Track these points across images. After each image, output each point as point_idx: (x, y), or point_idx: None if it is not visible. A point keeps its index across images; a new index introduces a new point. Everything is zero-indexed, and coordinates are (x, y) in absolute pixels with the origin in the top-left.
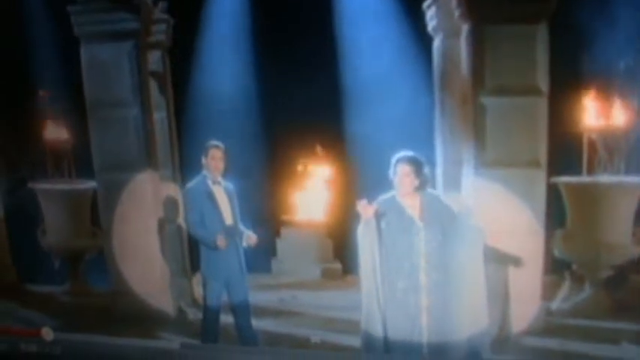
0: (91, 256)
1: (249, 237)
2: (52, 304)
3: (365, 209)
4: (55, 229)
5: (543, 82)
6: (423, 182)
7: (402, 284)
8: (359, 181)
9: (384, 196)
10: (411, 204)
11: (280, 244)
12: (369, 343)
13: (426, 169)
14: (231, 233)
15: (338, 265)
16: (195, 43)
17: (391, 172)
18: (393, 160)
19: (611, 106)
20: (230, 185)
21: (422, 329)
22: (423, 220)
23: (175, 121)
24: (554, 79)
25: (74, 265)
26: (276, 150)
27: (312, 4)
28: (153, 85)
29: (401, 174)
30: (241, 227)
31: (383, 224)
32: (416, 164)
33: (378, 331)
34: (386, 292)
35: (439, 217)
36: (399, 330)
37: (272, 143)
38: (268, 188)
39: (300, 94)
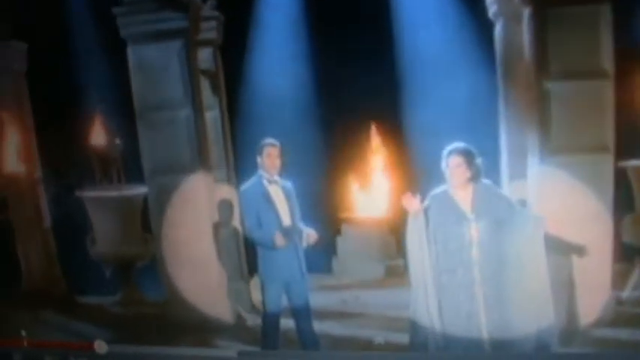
0: (143, 264)
1: (309, 235)
2: (103, 316)
3: (410, 203)
4: (104, 237)
5: (609, 64)
6: (475, 173)
7: (455, 279)
8: (420, 173)
9: (435, 191)
10: (463, 196)
11: (341, 243)
12: (418, 339)
13: (478, 160)
14: (290, 233)
15: (401, 262)
16: (247, 39)
17: (443, 164)
18: (445, 152)
19: None
20: (288, 184)
21: (480, 324)
22: (474, 211)
23: (229, 119)
24: (619, 60)
25: (125, 274)
26: (335, 146)
27: None
28: (204, 84)
29: (452, 165)
30: (301, 226)
31: (434, 218)
32: (467, 155)
33: (429, 328)
34: (439, 287)
35: (492, 208)
36: (454, 326)
37: (330, 139)
38: (327, 185)
39: (358, 87)
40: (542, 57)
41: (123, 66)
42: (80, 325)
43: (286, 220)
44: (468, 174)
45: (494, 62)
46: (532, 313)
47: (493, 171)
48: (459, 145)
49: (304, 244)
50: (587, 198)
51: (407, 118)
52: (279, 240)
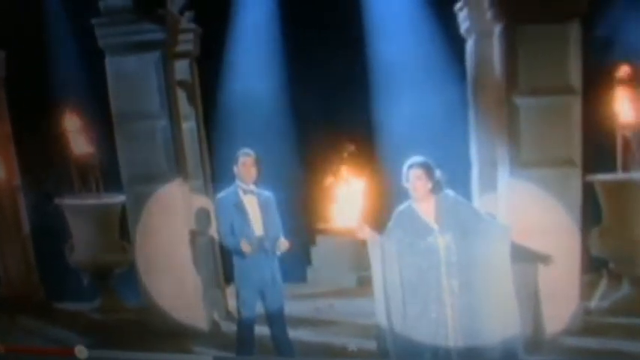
0: (121, 271)
1: (282, 242)
2: (82, 322)
3: (361, 232)
4: (83, 245)
5: (577, 81)
6: (436, 184)
7: (425, 289)
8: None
9: (400, 207)
10: (426, 208)
11: (315, 253)
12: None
13: (437, 172)
14: (261, 243)
15: None
16: (223, 51)
17: (404, 179)
18: (404, 167)
19: None
20: (265, 194)
21: (448, 333)
22: (438, 222)
23: (205, 130)
24: (587, 77)
25: (104, 281)
26: (310, 157)
27: (341, 10)
28: (181, 95)
29: (413, 178)
30: (279, 236)
31: (401, 232)
32: (427, 167)
33: (396, 338)
34: (408, 298)
35: (456, 218)
36: (423, 335)
37: (305, 150)
38: (302, 196)
39: (332, 101)
40: (512, 73)
41: (102, 75)
42: (59, 332)
43: (258, 230)
44: (429, 185)
45: (465, 77)
46: (499, 321)
47: (464, 184)
48: (417, 158)
49: (277, 252)
50: (555, 211)
51: (380, 130)
52: (245, 247)
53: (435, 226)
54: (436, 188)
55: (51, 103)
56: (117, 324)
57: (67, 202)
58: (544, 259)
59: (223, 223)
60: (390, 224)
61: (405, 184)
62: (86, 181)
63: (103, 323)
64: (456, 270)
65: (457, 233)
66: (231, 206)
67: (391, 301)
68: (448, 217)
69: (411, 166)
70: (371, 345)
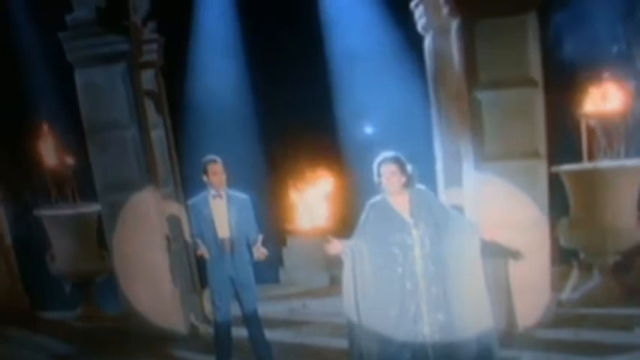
0: (102, 279)
1: (258, 249)
2: (65, 330)
3: (332, 248)
4: (63, 254)
5: (537, 73)
6: (409, 179)
7: (398, 286)
8: (360, 183)
9: (373, 199)
10: (400, 201)
11: (287, 254)
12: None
13: (409, 166)
14: (226, 245)
15: None
16: (187, 59)
17: (375, 175)
18: (375, 163)
19: (607, 90)
20: (239, 196)
21: (424, 332)
22: (413, 216)
23: (174, 137)
24: (547, 68)
25: (85, 289)
26: (276, 160)
27: (299, 13)
28: (149, 104)
29: (388, 173)
30: (257, 237)
31: (375, 226)
32: (399, 162)
33: (369, 336)
34: (383, 295)
35: (429, 212)
36: (401, 331)
37: (271, 153)
38: (271, 198)
39: (295, 103)
40: (472, 67)
41: (73, 87)
42: (43, 340)
43: (222, 233)
44: (403, 180)
45: (425, 73)
46: (472, 315)
47: (429, 178)
48: (388, 153)
49: (255, 257)
50: (523, 203)
51: (345, 128)
52: (199, 252)
53: (410, 220)
54: (409, 182)
55: (25, 115)
56: (98, 331)
57: (45, 212)
58: (514, 252)
59: (194, 227)
60: (363, 217)
61: (377, 180)
62: (62, 192)
63: (84, 331)
64: (430, 264)
65: (430, 227)
66: (199, 211)
67: (362, 302)
68: (422, 212)
69: (383, 162)
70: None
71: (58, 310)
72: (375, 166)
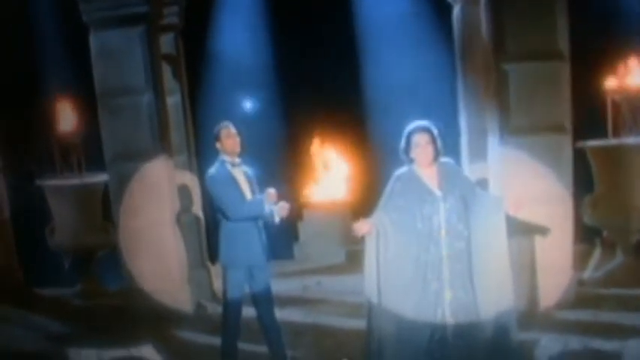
0: (104, 253)
1: (281, 206)
2: (62, 308)
3: (361, 228)
4: (64, 227)
5: (564, 46)
6: (441, 150)
7: (423, 258)
8: (381, 154)
9: (400, 170)
10: (429, 174)
11: (303, 228)
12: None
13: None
14: (254, 219)
15: (362, 247)
16: (208, 24)
17: (405, 144)
18: (408, 131)
19: (635, 66)
20: (249, 169)
21: (445, 303)
22: (441, 189)
23: (190, 104)
24: (574, 41)
25: (85, 264)
26: (295, 130)
27: None
28: (166, 69)
29: (423, 142)
30: (270, 207)
31: (401, 197)
32: (434, 132)
33: (391, 315)
34: (403, 276)
35: (457, 185)
36: (421, 307)
37: (290, 123)
38: (288, 171)
39: (319, 72)
40: (500, 39)
41: (84, 51)
42: (38, 319)
43: None
44: (435, 151)
45: (453, 44)
46: (494, 294)
47: (453, 152)
48: (423, 122)
49: (276, 217)
50: (547, 179)
51: (366, 99)
52: (272, 197)
53: (439, 193)
54: (440, 155)
55: (32, 80)
56: (98, 309)
57: (49, 182)
58: (536, 229)
59: (228, 192)
60: (389, 189)
61: (406, 150)
62: (68, 160)
63: (84, 309)
64: (455, 240)
65: (458, 202)
66: (227, 179)
67: (384, 278)
68: (450, 185)
69: (417, 130)
70: (361, 324)
71: (55, 286)
72: (405, 134)
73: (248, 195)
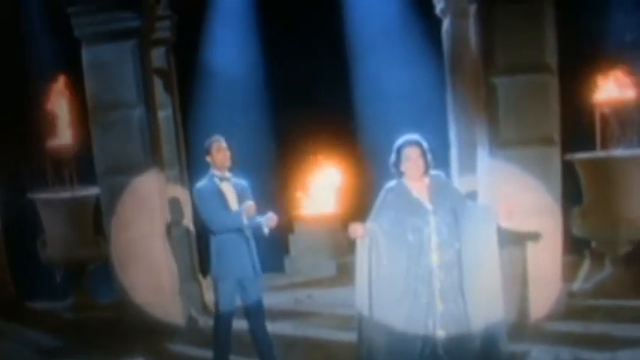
0: (95, 266)
1: (270, 218)
2: (54, 321)
3: (355, 231)
4: (56, 240)
5: (552, 59)
6: (431, 163)
7: (413, 271)
8: (371, 167)
9: (390, 184)
10: (419, 187)
11: (293, 241)
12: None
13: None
14: (241, 230)
15: (353, 258)
16: (200, 39)
17: (395, 158)
18: (398, 145)
19: (622, 79)
20: (240, 182)
21: (436, 323)
22: (432, 202)
23: (182, 118)
24: (563, 54)
25: (77, 277)
26: (285, 143)
27: None
28: (157, 83)
29: (414, 156)
30: (258, 219)
31: (392, 211)
32: (424, 146)
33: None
34: (394, 289)
35: (447, 198)
36: (412, 320)
37: (281, 137)
38: (278, 184)
39: (309, 85)
40: (489, 52)
41: (76, 65)
42: (30, 332)
43: None
44: (426, 164)
45: (442, 58)
46: (484, 306)
47: (443, 165)
48: (413, 136)
49: (265, 229)
50: (536, 191)
51: (356, 112)
52: (251, 209)
53: (429, 207)
54: (430, 168)
55: (25, 94)
56: (90, 322)
57: (40, 195)
58: (526, 240)
59: (211, 204)
60: (380, 201)
61: (396, 163)
62: (60, 174)
63: (75, 322)
64: (445, 252)
65: (448, 215)
66: (213, 193)
67: (376, 290)
68: (440, 197)
69: (408, 144)
70: (352, 337)
71: (47, 299)
72: (395, 148)
73: (234, 208)
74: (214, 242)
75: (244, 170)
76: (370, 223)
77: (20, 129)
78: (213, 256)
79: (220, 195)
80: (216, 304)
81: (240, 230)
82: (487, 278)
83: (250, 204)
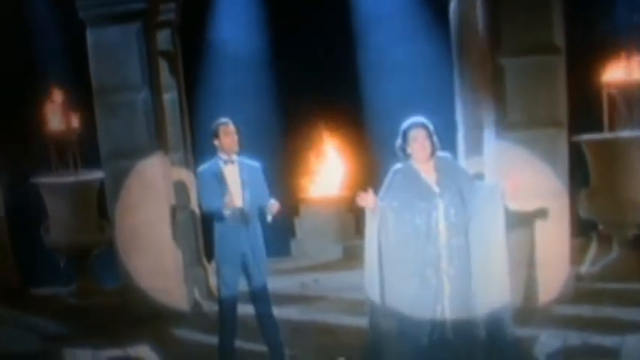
0: (99, 251)
1: (272, 204)
2: (58, 307)
3: (364, 200)
4: (59, 225)
5: (560, 40)
6: (438, 145)
7: (420, 256)
8: (378, 150)
9: (397, 166)
10: (427, 169)
11: (299, 225)
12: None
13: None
14: (241, 215)
15: (360, 242)
16: (205, 20)
17: (402, 140)
18: (404, 127)
19: (630, 59)
20: (251, 164)
21: (444, 306)
22: (439, 184)
23: (187, 100)
24: (570, 35)
25: (81, 262)
26: (292, 125)
27: None
28: (162, 66)
29: (420, 138)
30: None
31: (400, 193)
32: (430, 128)
33: (390, 309)
34: (402, 271)
35: (454, 180)
36: (420, 303)
37: (287, 118)
38: (285, 165)
39: (316, 67)
40: (496, 34)
41: (80, 48)
42: (33, 318)
43: (237, 201)
44: (432, 146)
45: (449, 39)
46: (492, 289)
47: (450, 147)
48: (420, 118)
49: (268, 216)
50: (543, 173)
51: (363, 94)
52: (229, 201)
53: (437, 189)
54: (436, 150)
55: (28, 77)
56: (94, 308)
57: (44, 180)
58: (533, 223)
59: (205, 192)
60: (387, 183)
61: (402, 146)
62: (64, 158)
63: (79, 308)
64: (453, 235)
65: (455, 197)
66: (212, 177)
67: (385, 272)
68: (448, 180)
69: (414, 126)
70: (360, 321)
71: (51, 285)
72: (402, 131)
73: (235, 191)
74: (215, 227)
75: (250, 153)
76: (378, 203)
77: (23, 113)
78: (215, 241)
79: (219, 179)
80: (219, 288)
81: (241, 215)
82: (495, 261)
83: (273, 203)
